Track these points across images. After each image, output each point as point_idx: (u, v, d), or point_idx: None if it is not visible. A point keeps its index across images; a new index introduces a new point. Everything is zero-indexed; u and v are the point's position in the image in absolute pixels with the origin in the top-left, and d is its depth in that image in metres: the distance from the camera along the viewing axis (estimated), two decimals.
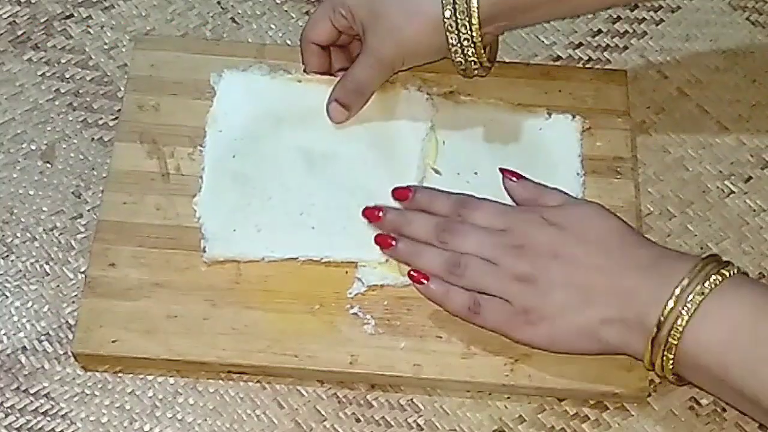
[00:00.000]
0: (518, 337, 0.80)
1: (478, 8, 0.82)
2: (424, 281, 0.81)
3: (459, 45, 0.84)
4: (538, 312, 0.78)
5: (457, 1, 0.82)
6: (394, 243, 0.82)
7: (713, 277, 0.75)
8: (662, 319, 0.75)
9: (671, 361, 0.75)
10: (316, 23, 0.88)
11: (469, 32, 0.83)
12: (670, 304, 0.74)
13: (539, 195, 0.83)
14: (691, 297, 0.74)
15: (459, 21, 0.83)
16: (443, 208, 0.83)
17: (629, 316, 0.76)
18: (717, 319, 0.74)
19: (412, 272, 0.81)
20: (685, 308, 0.74)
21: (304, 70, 0.90)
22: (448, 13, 0.83)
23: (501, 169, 0.85)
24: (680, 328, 0.74)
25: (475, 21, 0.83)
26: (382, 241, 0.83)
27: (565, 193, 0.83)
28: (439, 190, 0.84)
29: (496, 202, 0.83)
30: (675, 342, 0.74)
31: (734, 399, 0.76)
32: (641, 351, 0.76)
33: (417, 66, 0.89)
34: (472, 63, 0.86)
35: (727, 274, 0.75)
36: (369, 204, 0.84)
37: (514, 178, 0.84)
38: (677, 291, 0.74)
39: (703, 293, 0.74)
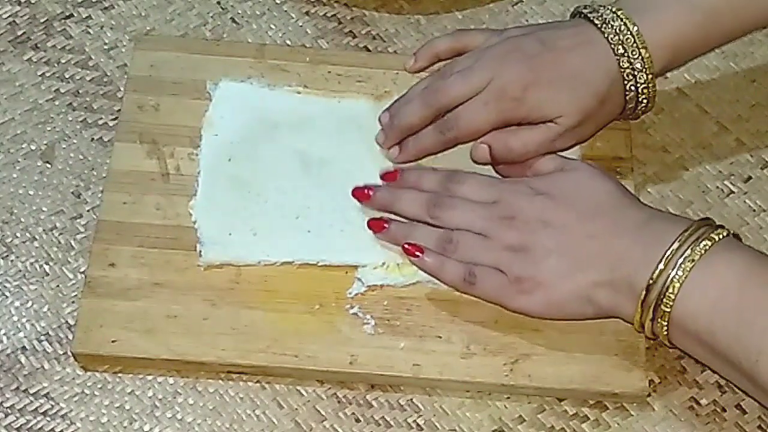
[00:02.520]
0: (514, 306, 0.80)
1: (653, 74, 0.83)
2: (419, 254, 0.81)
3: (634, 109, 0.86)
4: (531, 280, 0.79)
5: (636, 79, 0.83)
6: (386, 226, 0.83)
7: (703, 241, 0.75)
8: (651, 282, 0.75)
9: (665, 328, 0.76)
10: (478, 118, 0.84)
11: (648, 95, 0.85)
12: (660, 266, 0.75)
13: (533, 162, 0.84)
14: (680, 261, 0.75)
15: (639, 102, 0.85)
16: (432, 183, 0.84)
17: (620, 279, 0.77)
18: (705, 285, 0.74)
19: (406, 245, 0.81)
20: (675, 273, 0.74)
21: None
22: (630, 104, 0.85)
23: (495, 169, 0.86)
24: (672, 295, 0.74)
25: (652, 83, 0.84)
26: (374, 225, 0.83)
27: (560, 156, 0.84)
28: (426, 168, 0.85)
29: (485, 175, 0.84)
30: (668, 309, 0.75)
31: (720, 367, 0.77)
32: (631, 314, 0.77)
33: None
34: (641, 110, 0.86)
35: (717, 238, 0.75)
36: (364, 207, 0.84)
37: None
38: (667, 253, 0.75)
39: (693, 259, 0.74)
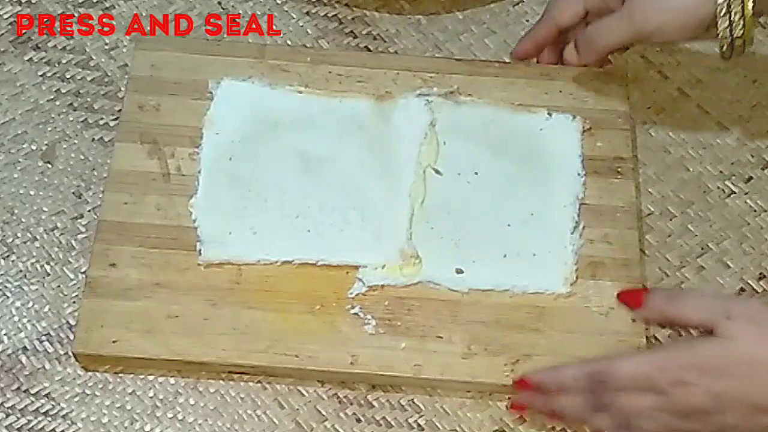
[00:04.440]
0: None
1: None
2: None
3: (728, 19, 0.80)
4: None
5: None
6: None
7: None
8: None
9: None
10: (564, 3, 0.87)
11: (741, 6, 0.79)
12: None
13: (721, 310, 0.73)
14: None
15: None
16: (580, 385, 0.76)
17: None
18: None
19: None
20: None
21: (515, 55, 0.92)
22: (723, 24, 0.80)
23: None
24: None
25: None
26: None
27: (708, 298, 0.75)
28: (560, 368, 0.77)
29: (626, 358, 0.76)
30: None
31: None
32: None
33: (665, 42, 0.85)
34: (738, 40, 0.81)
35: None
36: (364, 206, 0.85)
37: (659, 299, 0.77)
38: None
39: None
